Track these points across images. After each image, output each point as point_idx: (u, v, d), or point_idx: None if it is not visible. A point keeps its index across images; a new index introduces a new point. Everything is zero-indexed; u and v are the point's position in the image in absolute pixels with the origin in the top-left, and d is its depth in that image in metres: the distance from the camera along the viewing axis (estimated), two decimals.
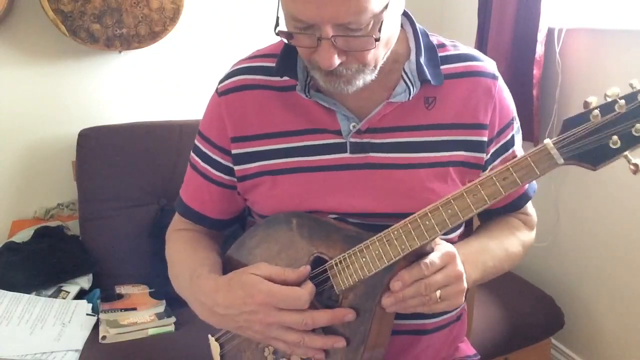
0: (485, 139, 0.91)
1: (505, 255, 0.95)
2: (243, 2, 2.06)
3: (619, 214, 1.70)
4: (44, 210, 1.90)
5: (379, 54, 0.81)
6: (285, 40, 0.80)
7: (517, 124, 0.98)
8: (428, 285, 0.77)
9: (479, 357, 1.07)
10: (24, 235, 1.76)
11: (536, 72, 1.79)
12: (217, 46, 2.06)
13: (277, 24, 0.78)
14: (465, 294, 1.04)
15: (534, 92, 1.79)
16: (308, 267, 0.82)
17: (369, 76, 0.83)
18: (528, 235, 1.02)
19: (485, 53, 1.88)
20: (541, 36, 1.77)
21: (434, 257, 0.78)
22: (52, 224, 1.84)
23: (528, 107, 1.81)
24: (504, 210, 1.01)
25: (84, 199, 1.76)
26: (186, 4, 1.83)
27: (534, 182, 1.02)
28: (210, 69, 2.01)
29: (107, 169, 1.75)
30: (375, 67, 0.82)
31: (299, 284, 0.80)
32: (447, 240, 0.92)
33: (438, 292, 0.77)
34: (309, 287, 0.79)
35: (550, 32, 1.79)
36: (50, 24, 1.71)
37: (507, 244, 0.97)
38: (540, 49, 1.78)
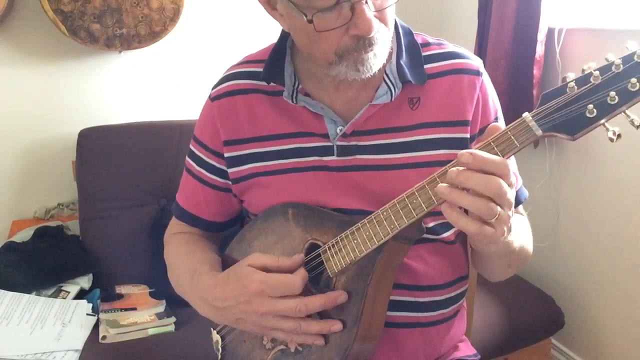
0: (468, 135, 0.91)
1: (527, 239, 0.94)
2: (243, 2, 2.06)
3: (619, 214, 1.70)
4: (44, 210, 1.90)
5: (393, 16, 0.85)
6: (317, 29, 0.78)
7: (501, 124, 0.97)
8: (499, 190, 0.66)
9: (479, 357, 1.07)
10: (24, 235, 1.76)
11: (536, 72, 1.79)
12: (217, 46, 2.06)
13: (306, 17, 0.77)
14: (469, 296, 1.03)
15: (534, 92, 1.79)
16: (302, 255, 0.84)
17: (388, 44, 0.85)
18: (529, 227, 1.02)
19: (485, 53, 1.91)
20: (541, 36, 1.77)
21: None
22: (52, 224, 1.84)
23: (528, 107, 1.79)
24: None
25: (84, 199, 1.76)
26: (186, 4, 1.83)
27: (525, 190, 1.01)
28: (210, 69, 2.01)
29: (107, 169, 1.75)
30: (390, 32, 0.85)
31: (292, 271, 0.82)
32: (443, 239, 0.92)
33: (498, 208, 0.68)
34: (301, 273, 0.81)
35: (550, 32, 1.79)
36: (50, 24, 1.71)
37: (524, 226, 0.96)
38: (540, 49, 1.78)
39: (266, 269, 0.82)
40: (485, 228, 0.69)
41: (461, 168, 0.68)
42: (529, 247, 0.95)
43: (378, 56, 0.83)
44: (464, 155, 0.68)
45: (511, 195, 0.69)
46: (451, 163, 0.73)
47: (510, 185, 0.68)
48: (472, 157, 0.67)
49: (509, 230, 0.73)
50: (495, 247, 0.75)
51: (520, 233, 0.88)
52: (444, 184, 0.69)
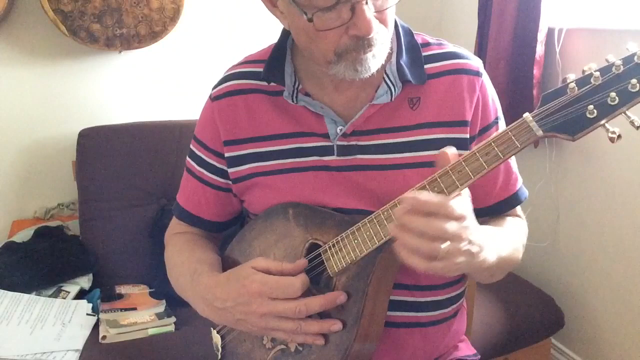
0: (467, 136, 0.91)
1: (513, 248, 0.93)
2: (243, 2, 2.06)
3: (619, 214, 1.70)
4: (44, 210, 1.90)
5: (393, 17, 0.85)
6: (317, 28, 0.79)
7: (502, 124, 0.97)
8: (441, 231, 0.67)
9: (479, 357, 1.07)
10: (24, 235, 1.76)
11: (536, 72, 1.79)
12: (217, 46, 2.06)
13: (306, 15, 0.78)
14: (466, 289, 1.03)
15: (534, 92, 1.79)
16: (305, 260, 0.84)
17: (388, 45, 0.85)
18: (525, 230, 1.01)
19: (485, 53, 1.91)
20: (541, 36, 1.77)
21: (455, 202, 0.69)
22: (52, 224, 1.84)
23: (528, 107, 1.79)
24: (496, 208, 0.99)
25: (84, 199, 1.76)
26: (186, 4, 1.83)
27: (525, 190, 1.01)
28: (210, 69, 2.01)
29: (107, 169, 1.75)
30: (389, 33, 0.85)
31: (294, 275, 0.82)
32: None
33: (445, 245, 0.68)
34: (302, 277, 0.81)
35: (550, 32, 1.79)
36: (50, 24, 1.71)
37: (513, 232, 0.96)
38: (540, 49, 1.78)
39: (269, 273, 0.82)
40: (433, 265, 0.69)
41: (408, 207, 0.69)
42: (516, 254, 0.93)
43: (377, 57, 0.83)
44: (406, 199, 0.70)
45: (461, 230, 0.69)
46: (450, 165, 0.73)
47: (459, 219, 0.69)
48: (413, 201, 0.69)
49: (473, 255, 0.72)
50: (455, 273, 0.76)
51: (502, 244, 0.86)
52: (393, 224, 0.71)
